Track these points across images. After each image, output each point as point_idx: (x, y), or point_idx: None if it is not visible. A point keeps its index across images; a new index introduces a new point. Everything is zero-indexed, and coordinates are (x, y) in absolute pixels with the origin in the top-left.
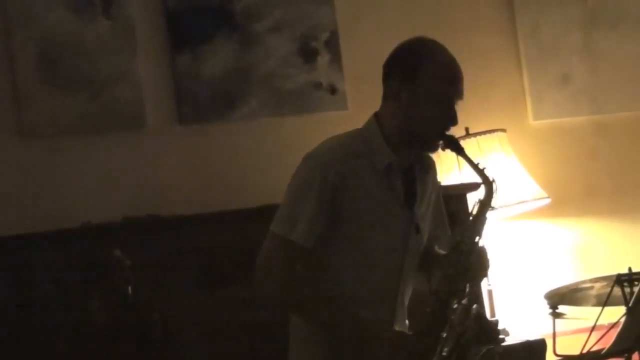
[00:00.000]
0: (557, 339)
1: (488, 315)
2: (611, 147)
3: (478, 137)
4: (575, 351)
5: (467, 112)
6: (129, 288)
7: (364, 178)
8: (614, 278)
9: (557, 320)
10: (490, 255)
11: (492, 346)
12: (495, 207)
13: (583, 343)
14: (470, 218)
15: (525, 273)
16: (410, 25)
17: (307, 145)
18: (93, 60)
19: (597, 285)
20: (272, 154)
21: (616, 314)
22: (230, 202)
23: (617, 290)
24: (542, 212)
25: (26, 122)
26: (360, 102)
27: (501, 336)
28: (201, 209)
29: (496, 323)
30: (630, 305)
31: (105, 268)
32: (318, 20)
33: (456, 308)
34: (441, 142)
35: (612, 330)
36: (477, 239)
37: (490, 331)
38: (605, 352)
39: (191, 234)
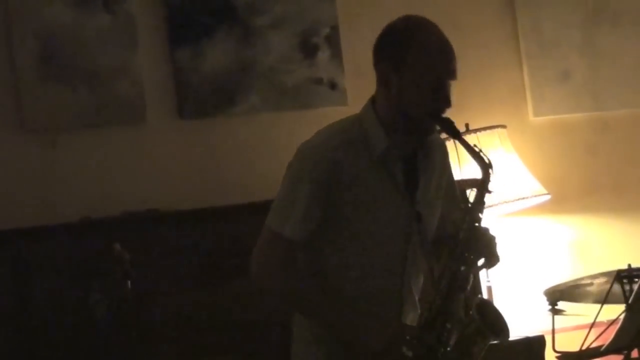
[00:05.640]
0: (556, 336)
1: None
2: (611, 144)
3: (478, 133)
4: (575, 348)
5: (467, 108)
6: (129, 282)
7: (359, 167)
8: (614, 274)
9: (557, 317)
10: (496, 240)
11: (497, 340)
12: (493, 190)
13: (582, 340)
14: (469, 204)
15: (524, 270)
16: None
17: None
18: (93, 54)
19: (597, 281)
20: (273, 149)
21: (616, 310)
22: (230, 197)
23: (616, 287)
24: (542, 208)
25: (26, 116)
26: (360, 98)
27: (506, 330)
28: (201, 203)
29: (501, 316)
30: (629, 302)
31: (104, 262)
32: (319, 15)
33: (459, 299)
34: (437, 126)
35: (612, 327)
36: (476, 224)
37: (494, 324)
38: (605, 348)
39: (191, 229)
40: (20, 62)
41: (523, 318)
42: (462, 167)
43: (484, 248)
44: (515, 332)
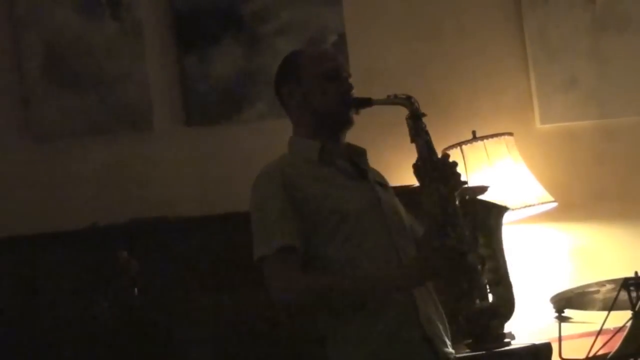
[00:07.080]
0: (562, 343)
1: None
2: (618, 152)
3: (485, 140)
4: (581, 355)
5: (474, 116)
6: (136, 290)
7: (305, 171)
8: (620, 282)
9: (563, 324)
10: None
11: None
12: (424, 114)
13: (589, 347)
14: (413, 136)
15: (531, 277)
16: (417, 29)
17: None
18: (101, 61)
19: (604, 289)
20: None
21: (622, 318)
22: (238, 204)
23: (623, 295)
24: (549, 216)
25: (33, 123)
26: None
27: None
28: (208, 210)
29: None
30: (636, 309)
31: (111, 270)
32: (326, 22)
33: (456, 211)
34: (353, 109)
35: (618, 335)
36: (431, 155)
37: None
38: (611, 356)
39: (198, 236)
40: (28, 68)
41: (529, 325)
42: (469, 175)
43: (444, 170)
44: (522, 340)
